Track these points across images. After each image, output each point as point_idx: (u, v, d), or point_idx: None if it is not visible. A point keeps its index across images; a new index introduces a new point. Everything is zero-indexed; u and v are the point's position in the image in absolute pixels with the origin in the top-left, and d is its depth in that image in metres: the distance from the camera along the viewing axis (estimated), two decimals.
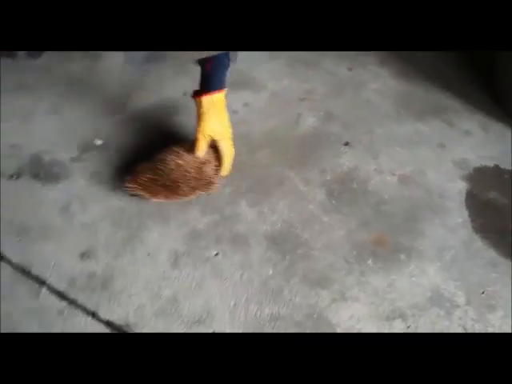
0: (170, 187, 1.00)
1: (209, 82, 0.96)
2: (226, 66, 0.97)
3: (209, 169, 1.02)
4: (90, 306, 0.92)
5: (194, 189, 1.01)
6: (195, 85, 0.97)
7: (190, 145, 1.02)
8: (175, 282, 0.96)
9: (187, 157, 1.01)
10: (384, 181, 1.15)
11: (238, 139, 1.13)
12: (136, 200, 1.05)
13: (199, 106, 0.97)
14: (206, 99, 0.96)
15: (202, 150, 1.00)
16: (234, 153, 1.05)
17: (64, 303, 0.92)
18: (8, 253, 0.96)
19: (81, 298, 0.92)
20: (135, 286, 0.95)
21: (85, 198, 1.04)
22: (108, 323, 0.90)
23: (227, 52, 0.95)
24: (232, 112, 1.20)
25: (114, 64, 1.28)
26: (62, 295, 0.93)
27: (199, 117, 0.98)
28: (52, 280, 0.94)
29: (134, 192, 1.01)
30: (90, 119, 1.14)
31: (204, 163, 1.02)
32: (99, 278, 0.95)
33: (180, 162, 1.00)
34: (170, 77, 1.27)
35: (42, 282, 0.93)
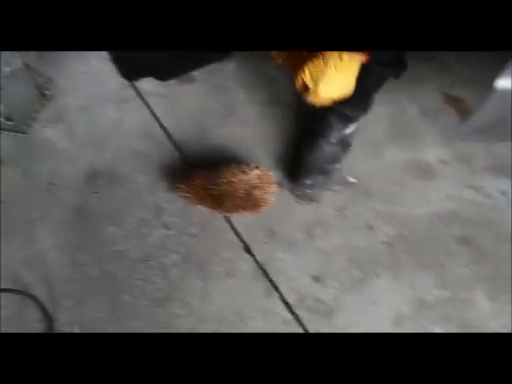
0: (215, 199, 1.04)
1: None
2: None
3: (259, 193, 1.04)
4: (311, 329, 0.97)
5: (238, 207, 1.05)
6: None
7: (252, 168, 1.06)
8: None
9: (241, 177, 1.04)
10: None
11: (488, 224, 1.09)
12: (371, 246, 1.08)
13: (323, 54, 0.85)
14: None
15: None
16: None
17: (289, 316, 0.99)
18: (254, 249, 1.06)
19: (305, 318, 0.98)
20: (356, 326, 0.97)
21: (328, 226, 1.10)
22: None
23: None
24: (487, 196, 1.17)
25: None
26: (289, 307, 0.99)
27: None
28: (284, 289, 1.01)
29: (184, 194, 1.06)
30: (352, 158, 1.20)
31: (255, 187, 1.04)
32: (325, 305, 1.00)
33: (233, 179, 1.03)
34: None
35: (275, 287, 1.01)
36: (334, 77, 0.87)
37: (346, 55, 0.85)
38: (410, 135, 1.25)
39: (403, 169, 1.20)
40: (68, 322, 0.93)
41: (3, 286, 0.95)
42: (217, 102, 1.27)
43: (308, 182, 1.12)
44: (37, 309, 0.93)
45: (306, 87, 0.91)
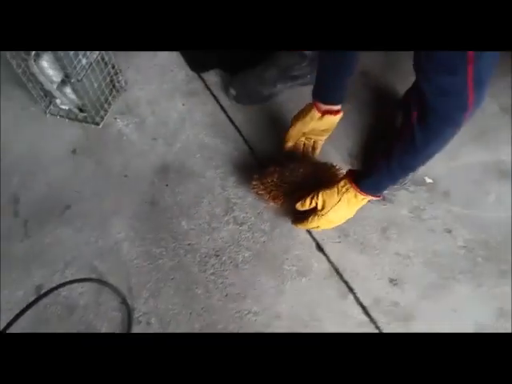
0: (287, 196, 1.00)
1: (365, 178, 0.89)
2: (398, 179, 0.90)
3: None
4: None
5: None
6: None
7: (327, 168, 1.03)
8: None
9: (316, 175, 1.00)
10: None
11: None
12: (450, 251, 1.04)
13: (341, 188, 0.91)
14: (345, 182, 0.91)
15: (301, 206, 0.96)
16: (318, 229, 0.99)
17: (365, 318, 0.96)
18: (327, 248, 1.03)
19: (381, 322, 0.95)
20: None
21: (404, 228, 1.06)
22: None
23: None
24: None
25: None
26: (365, 310, 0.96)
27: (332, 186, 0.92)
28: (359, 291, 0.98)
29: (257, 192, 1.03)
30: None
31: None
32: (401, 309, 0.97)
33: (308, 177, 1.00)
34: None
35: (350, 289, 0.99)
36: (343, 209, 0.93)
37: (360, 195, 0.90)
38: (489, 134, 1.18)
39: (482, 170, 1.15)
40: (145, 313, 0.93)
41: (80, 275, 0.97)
42: (286, 95, 1.24)
43: None
44: (114, 298, 0.94)
45: (314, 208, 0.95)
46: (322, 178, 1.02)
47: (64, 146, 1.16)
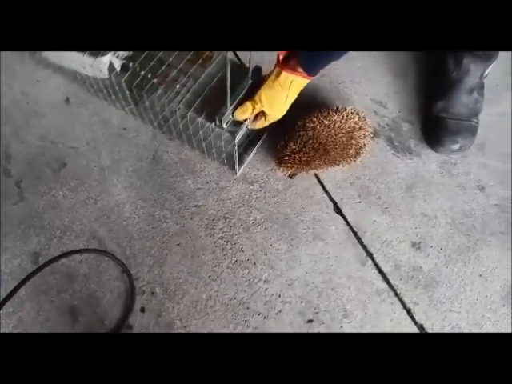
0: (319, 152, 0.86)
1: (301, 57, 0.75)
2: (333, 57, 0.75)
3: (359, 134, 0.88)
4: (408, 302, 0.87)
5: (340, 156, 0.88)
6: None
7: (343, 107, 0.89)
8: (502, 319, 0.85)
9: (336, 118, 0.86)
10: None
11: None
12: (481, 210, 0.94)
13: (276, 76, 0.78)
14: (287, 76, 0.77)
15: (242, 113, 0.82)
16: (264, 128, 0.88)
17: (384, 285, 0.89)
18: (346, 209, 0.94)
19: (401, 289, 0.88)
20: (458, 300, 0.87)
21: (432, 185, 0.96)
22: (422, 327, 0.85)
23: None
24: None
25: None
26: (384, 276, 0.90)
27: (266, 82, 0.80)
28: (378, 256, 0.91)
29: (289, 173, 0.92)
30: None
31: (355, 128, 0.87)
32: (424, 275, 0.89)
33: (326, 122, 0.86)
34: None
35: (369, 254, 0.91)
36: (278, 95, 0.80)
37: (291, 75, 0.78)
38: None
39: None
40: (149, 282, 0.88)
41: (79, 241, 0.91)
42: None
43: (455, 146, 0.96)
44: (116, 266, 0.88)
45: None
46: (348, 118, 0.88)
47: (56, 95, 1.05)
